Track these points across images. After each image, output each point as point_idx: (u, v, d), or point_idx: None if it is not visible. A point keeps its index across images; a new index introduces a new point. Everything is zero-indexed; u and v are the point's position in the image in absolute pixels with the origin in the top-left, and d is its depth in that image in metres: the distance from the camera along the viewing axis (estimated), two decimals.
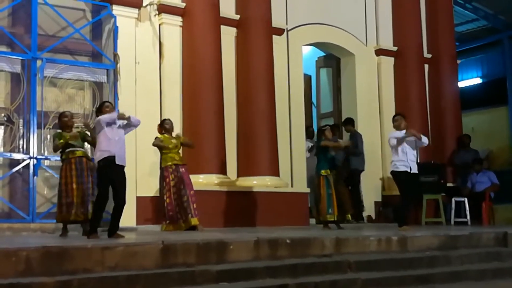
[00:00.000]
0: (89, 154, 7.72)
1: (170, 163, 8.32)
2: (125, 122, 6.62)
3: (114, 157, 6.39)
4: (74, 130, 7.55)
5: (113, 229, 6.38)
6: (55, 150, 7.47)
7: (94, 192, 6.90)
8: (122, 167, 6.48)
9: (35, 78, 8.66)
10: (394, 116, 8.75)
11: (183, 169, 8.35)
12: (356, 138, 10.94)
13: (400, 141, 8.21)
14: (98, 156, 6.43)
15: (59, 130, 7.48)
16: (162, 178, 8.37)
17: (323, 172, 8.65)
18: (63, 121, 7.47)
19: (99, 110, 6.84)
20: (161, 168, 8.44)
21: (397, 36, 12.53)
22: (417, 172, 8.27)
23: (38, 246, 4.57)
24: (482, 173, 11.34)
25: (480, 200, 10.98)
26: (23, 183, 8.66)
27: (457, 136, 12.53)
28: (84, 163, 7.22)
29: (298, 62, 11.40)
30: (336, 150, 8.94)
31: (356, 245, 6.12)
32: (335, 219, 8.52)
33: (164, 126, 8.58)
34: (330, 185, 8.58)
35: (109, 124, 6.47)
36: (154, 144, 8.46)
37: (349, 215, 8.67)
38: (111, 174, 6.39)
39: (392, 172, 8.31)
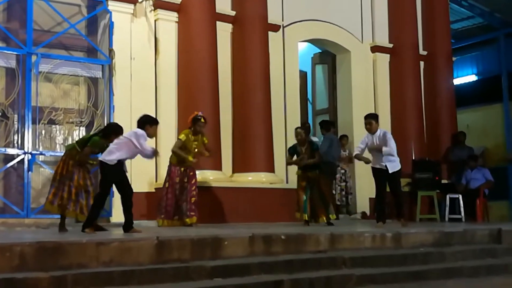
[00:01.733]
0: None
1: (175, 162, 8.23)
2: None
3: (123, 163, 6.55)
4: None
5: (130, 223, 6.42)
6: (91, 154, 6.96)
7: (89, 189, 6.84)
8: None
9: (30, 73, 8.64)
10: (365, 117, 8.44)
11: (192, 172, 8.27)
12: (326, 142, 10.64)
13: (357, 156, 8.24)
14: (111, 160, 6.38)
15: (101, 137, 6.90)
16: (168, 173, 8.26)
17: (297, 172, 8.68)
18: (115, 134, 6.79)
19: (150, 124, 6.62)
20: (170, 163, 8.29)
21: (393, 33, 12.54)
22: (395, 171, 8.18)
23: (32, 241, 4.56)
24: (477, 170, 11.37)
25: (475, 197, 11.01)
26: (18, 178, 8.66)
27: (452, 133, 12.56)
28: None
29: (294, 58, 11.40)
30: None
31: (351, 241, 6.13)
32: (305, 219, 8.48)
33: (195, 128, 8.24)
34: (300, 185, 8.56)
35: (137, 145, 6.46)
36: (173, 152, 8.19)
37: (323, 218, 8.55)
38: (121, 177, 6.47)
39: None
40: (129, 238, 5.24)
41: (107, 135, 6.74)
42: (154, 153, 6.70)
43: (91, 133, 7.79)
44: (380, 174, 8.23)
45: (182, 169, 8.21)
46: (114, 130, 6.74)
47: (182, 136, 8.25)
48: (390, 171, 8.14)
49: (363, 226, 8.38)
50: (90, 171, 7.02)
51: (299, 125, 11.41)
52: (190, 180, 8.22)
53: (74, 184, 6.75)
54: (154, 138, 9.14)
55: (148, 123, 6.65)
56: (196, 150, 8.26)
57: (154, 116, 8.89)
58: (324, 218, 8.40)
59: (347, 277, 5.30)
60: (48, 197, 6.84)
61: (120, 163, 6.47)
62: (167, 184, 8.23)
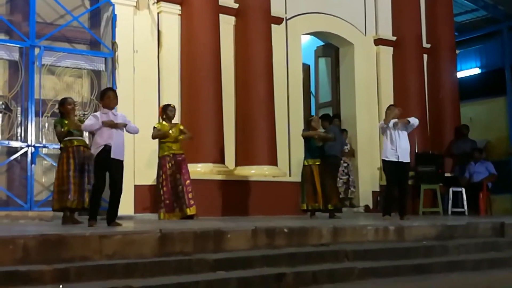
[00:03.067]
0: (87, 142, 7.66)
1: (167, 152, 8.29)
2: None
3: (110, 149, 6.35)
4: (75, 118, 7.41)
5: (111, 217, 6.38)
6: (59, 137, 7.23)
7: (91, 181, 6.87)
8: (119, 160, 6.43)
9: (33, 66, 8.64)
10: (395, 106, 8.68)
11: (180, 158, 8.31)
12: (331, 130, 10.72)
13: (384, 129, 8.22)
14: (95, 148, 6.40)
15: (59, 118, 7.33)
16: (160, 167, 8.34)
17: (304, 162, 8.91)
18: (67, 108, 7.26)
19: (101, 98, 6.67)
20: (159, 157, 8.40)
21: (396, 25, 12.51)
22: (407, 161, 8.17)
23: (36, 234, 4.56)
24: (480, 163, 11.35)
25: (478, 190, 11.00)
26: (21, 171, 8.67)
27: (455, 126, 12.53)
28: (82, 151, 7.14)
29: (297, 51, 11.37)
30: (318, 141, 8.95)
31: (353, 234, 6.13)
32: (308, 208, 8.75)
33: (167, 113, 8.44)
34: (306, 176, 8.85)
35: (105, 115, 6.43)
36: (153, 137, 8.35)
37: (332, 206, 8.69)
38: (107, 165, 6.37)
39: (382, 161, 8.33)
40: (132, 231, 5.24)
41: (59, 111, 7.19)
42: (105, 123, 6.41)
43: None
44: (394, 167, 8.15)
45: (171, 155, 8.25)
46: (61, 102, 7.25)
47: (157, 125, 8.40)
48: (400, 159, 8.08)
49: (365, 219, 8.37)
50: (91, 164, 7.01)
51: (307, 118, 11.55)
52: (181, 169, 8.23)
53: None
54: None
55: (100, 100, 6.71)
56: (175, 135, 8.31)
57: (157, 109, 8.99)
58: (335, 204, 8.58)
59: (350, 270, 5.30)
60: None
61: (107, 152, 6.33)
62: (161, 179, 8.26)
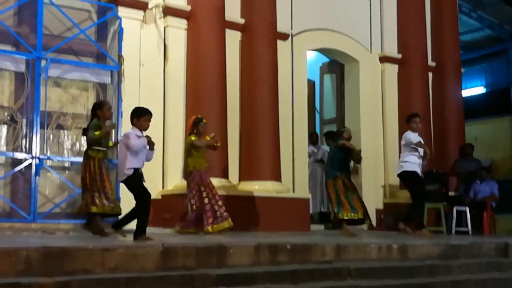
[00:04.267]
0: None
1: (204, 169, 8.09)
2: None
3: (141, 171, 6.52)
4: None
5: (121, 224, 6.54)
6: (89, 142, 6.94)
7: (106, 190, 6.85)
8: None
9: (39, 78, 8.66)
10: (413, 117, 8.69)
11: (206, 175, 8.19)
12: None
13: (418, 144, 8.30)
14: (126, 169, 6.40)
15: (96, 121, 6.98)
16: (196, 182, 8.04)
17: (337, 173, 8.65)
18: (105, 113, 6.97)
19: (136, 118, 6.54)
20: (195, 170, 8.07)
21: (402, 43, 12.54)
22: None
23: (38, 246, 4.56)
24: (486, 182, 11.31)
25: (482, 210, 10.95)
26: (25, 182, 8.66)
27: (459, 145, 12.50)
28: (104, 163, 7.01)
29: (302, 67, 11.40)
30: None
31: (357, 252, 6.11)
32: (351, 218, 8.45)
33: (199, 129, 8.16)
34: (340, 188, 8.55)
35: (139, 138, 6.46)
36: (201, 146, 8.02)
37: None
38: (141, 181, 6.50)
39: (407, 172, 8.35)
40: (135, 244, 5.23)
41: (92, 113, 6.95)
42: (150, 144, 6.53)
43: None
44: (420, 178, 8.36)
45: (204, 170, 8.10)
46: (94, 107, 6.98)
47: (194, 137, 8.14)
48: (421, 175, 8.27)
49: (369, 237, 8.33)
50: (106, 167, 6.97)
51: (310, 134, 11.57)
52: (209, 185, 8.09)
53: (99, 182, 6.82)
54: (162, 147, 9.15)
55: (134, 117, 6.57)
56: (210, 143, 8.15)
57: (162, 122, 8.98)
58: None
59: None
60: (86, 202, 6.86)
61: (137, 173, 6.42)
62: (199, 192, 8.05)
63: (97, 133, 6.83)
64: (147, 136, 6.56)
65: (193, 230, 7.98)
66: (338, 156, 8.81)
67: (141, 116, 6.56)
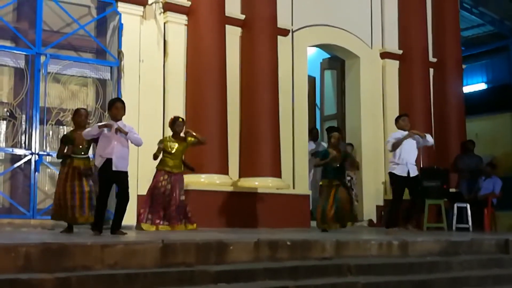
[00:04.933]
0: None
1: (161, 167, 8.03)
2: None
3: (111, 161, 6.34)
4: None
5: (116, 225, 6.38)
6: (57, 155, 7.13)
7: (92, 195, 6.84)
8: (122, 172, 6.42)
9: (38, 74, 8.65)
10: (400, 116, 8.76)
11: (176, 177, 8.05)
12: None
13: (397, 144, 8.28)
14: (97, 161, 6.41)
15: (69, 132, 7.12)
16: (153, 179, 8.08)
17: (321, 182, 8.57)
18: (76, 120, 7.10)
19: (109, 108, 6.63)
20: (158, 170, 8.10)
21: (403, 39, 12.51)
22: (416, 174, 8.34)
23: (37, 242, 4.55)
24: (490, 179, 11.30)
25: (482, 207, 10.93)
26: (25, 178, 8.66)
27: (460, 142, 12.48)
28: (81, 169, 6.96)
29: (302, 63, 11.38)
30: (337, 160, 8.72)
31: (357, 248, 6.09)
32: (326, 229, 8.32)
33: (174, 128, 8.18)
34: (327, 196, 8.37)
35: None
36: (154, 156, 8.04)
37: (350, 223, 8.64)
38: (111, 177, 6.38)
39: (390, 173, 8.38)
40: (134, 241, 5.22)
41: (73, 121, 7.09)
42: (101, 126, 6.45)
43: None
44: (404, 181, 8.34)
45: (166, 178, 8.00)
46: (74, 112, 7.07)
47: (164, 140, 8.19)
48: (411, 175, 8.28)
49: (369, 234, 8.32)
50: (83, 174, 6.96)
51: (310, 129, 11.53)
52: (175, 188, 7.99)
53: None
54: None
55: (108, 110, 6.69)
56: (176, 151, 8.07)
57: (162, 118, 8.96)
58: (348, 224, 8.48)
59: (353, 284, 5.25)
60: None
61: (108, 166, 6.34)
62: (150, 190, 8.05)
63: (67, 149, 6.95)
64: (105, 123, 6.50)
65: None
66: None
67: (111, 106, 6.59)
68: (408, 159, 8.32)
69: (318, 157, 8.78)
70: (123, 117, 6.63)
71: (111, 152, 6.35)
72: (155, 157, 8.04)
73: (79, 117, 7.11)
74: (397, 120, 8.97)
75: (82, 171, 6.90)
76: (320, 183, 8.61)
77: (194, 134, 8.18)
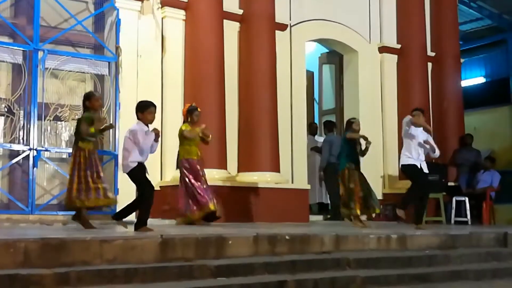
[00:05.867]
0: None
1: (195, 157, 8.07)
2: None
3: (144, 165, 6.53)
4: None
5: (123, 215, 6.54)
6: (82, 135, 6.68)
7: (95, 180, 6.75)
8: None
9: (36, 69, 8.63)
10: (419, 110, 8.47)
11: (201, 162, 8.19)
12: (326, 146, 10.78)
13: (413, 128, 8.10)
14: (130, 162, 6.41)
15: (88, 113, 6.77)
16: (189, 169, 8.03)
17: (347, 165, 8.42)
18: (94, 104, 6.76)
19: (141, 111, 6.53)
20: (185, 159, 8.06)
21: (401, 33, 12.50)
22: (427, 172, 8.24)
23: (36, 237, 4.56)
24: (488, 172, 11.32)
25: (481, 200, 10.95)
26: (23, 174, 8.66)
27: (459, 135, 12.50)
28: (93, 153, 6.77)
29: (301, 58, 11.37)
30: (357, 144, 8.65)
31: (356, 242, 6.10)
32: (359, 213, 8.33)
33: (193, 117, 8.10)
34: (353, 179, 8.35)
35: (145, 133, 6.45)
36: (187, 136, 7.99)
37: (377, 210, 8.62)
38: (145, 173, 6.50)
39: (404, 166, 8.22)
40: (133, 236, 5.23)
41: (83, 105, 6.79)
42: (156, 137, 6.52)
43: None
44: (422, 171, 8.14)
45: (198, 159, 8.08)
46: (84, 98, 6.79)
47: (185, 126, 8.10)
48: (424, 171, 8.12)
49: (368, 228, 8.32)
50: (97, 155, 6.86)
51: (308, 124, 11.57)
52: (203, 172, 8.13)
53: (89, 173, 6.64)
54: (160, 139, 9.11)
55: (138, 112, 6.57)
56: (199, 135, 8.09)
57: (161, 114, 8.94)
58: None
59: (352, 278, 5.26)
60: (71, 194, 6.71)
61: (141, 166, 6.42)
62: (190, 180, 8.02)
63: (92, 129, 6.67)
64: (154, 129, 6.54)
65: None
66: (345, 148, 8.61)
67: (145, 110, 6.55)
68: (420, 156, 8.24)
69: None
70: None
71: (145, 158, 6.49)
72: (190, 137, 8.01)
73: (97, 101, 6.83)
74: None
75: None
76: (346, 166, 8.39)
77: (209, 134, 8.21)
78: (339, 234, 6.04)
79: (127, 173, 6.51)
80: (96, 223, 6.91)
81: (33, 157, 8.50)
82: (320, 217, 11.09)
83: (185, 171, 8.07)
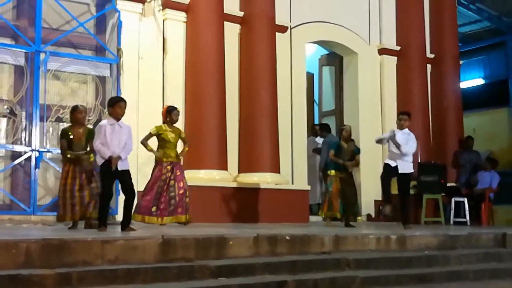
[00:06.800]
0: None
1: (164, 159, 7.84)
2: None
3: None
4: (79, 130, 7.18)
5: (126, 222, 6.45)
6: (61, 150, 7.16)
7: (93, 192, 6.93)
8: (125, 170, 6.47)
9: (38, 71, 8.67)
10: (402, 113, 8.61)
11: (177, 166, 7.92)
12: (324, 147, 10.84)
13: (379, 141, 8.39)
14: (99, 160, 6.44)
15: (68, 127, 7.17)
16: (152, 171, 7.90)
17: (330, 172, 8.91)
18: (76, 117, 7.12)
19: (111, 106, 6.52)
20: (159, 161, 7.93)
21: (400, 35, 12.53)
22: (405, 172, 8.19)
23: (38, 238, 4.56)
24: (488, 173, 11.36)
25: (480, 201, 10.98)
26: (25, 175, 8.69)
27: (458, 136, 12.53)
28: (83, 165, 7.02)
29: (301, 59, 11.40)
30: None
31: (355, 243, 6.12)
32: (336, 217, 8.73)
33: (171, 117, 7.96)
34: (332, 185, 8.82)
35: (111, 127, 6.45)
36: (142, 142, 7.88)
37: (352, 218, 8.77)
38: (114, 174, 6.44)
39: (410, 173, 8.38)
40: (134, 236, 5.24)
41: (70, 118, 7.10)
42: (113, 159, 6.38)
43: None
44: (390, 171, 8.26)
45: (169, 168, 7.84)
46: (70, 110, 7.12)
47: (153, 129, 7.92)
48: (399, 171, 8.15)
49: (367, 228, 8.37)
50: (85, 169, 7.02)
51: (311, 126, 11.62)
52: (176, 177, 7.85)
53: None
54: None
55: (108, 107, 6.61)
56: (174, 141, 7.91)
57: (161, 115, 8.97)
58: (350, 219, 8.64)
59: (351, 278, 5.28)
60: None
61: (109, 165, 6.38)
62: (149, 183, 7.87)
63: (67, 153, 7.01)
64: (112, 158, 6.39)
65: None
66: (335, 151, 8.91)
67: (114, 104, 6.52)
68: (397, 155, 8.29)
69: (331, 149, 9.01)
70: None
71: (113, 151, 6.37)
72: (146, 140, 7.89)
73: (79, 114, 7.16)
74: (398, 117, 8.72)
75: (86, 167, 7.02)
76: (329, 173, 8.91)
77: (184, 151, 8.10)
78: (339, 234, 6.06)
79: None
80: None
81: (35, 158, 8.54)
82: (320, 218, 11.11)
83: (156, 174, 7.89)
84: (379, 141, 8.62)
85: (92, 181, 7.02)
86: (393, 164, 8.21)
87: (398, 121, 8.43)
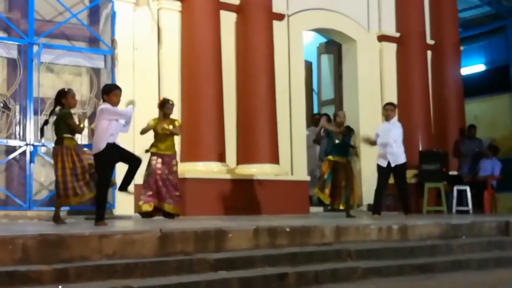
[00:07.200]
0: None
1: (154, 150, 7.96)
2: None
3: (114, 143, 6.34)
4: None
5: (126, 184, 6.49)
6: (74, 131, 6.67)
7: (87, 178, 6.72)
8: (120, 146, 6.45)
9: (31, 64, 8.58)
10: (386, 105, 8.77)
11: (168, 158, 8.00)
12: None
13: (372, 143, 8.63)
14: (102, 144, 6.21)
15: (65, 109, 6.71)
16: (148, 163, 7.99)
17: (329, 157, 8.65)
18: (71, 102, 6.70)
19: (107, 94, 6.35)
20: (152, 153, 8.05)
21: (400, 22, 12.41)
22: (398, 164, 8.31)
23: (35, 233, 4.53)
24: (489, 160, 11.29)
25: (482, 189, 10.92)
26: (20, 170, 8.62)
27: (459, 124, 12.46)
28: (78, 149, 6.73)
29: (298, 48, 11.28)
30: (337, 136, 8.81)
31: (357, 233, 6.08)
32: (327, 203, 8.69)
33: (164, 110, 8.10)
34: (329, 170, 8.57)
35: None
36: (140, 132, 8.08)
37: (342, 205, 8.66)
38: (116, 159, 6.38)
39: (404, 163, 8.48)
40: (132, 230, 5.21)
41: (56, 101, 6.67)
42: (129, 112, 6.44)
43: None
44: (384, 170, 8.35)
45: (160, 160, 7.94)
46: (58, 95, 6.67)
47: (151, 121, 8.08)
48: (392, 164, 8.18)
49: (368, 219, 8.30)
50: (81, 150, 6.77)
51: (311, 115, 11.53)
52: (169, 170, 7.97)
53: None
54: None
55: (103, 94, 6.45)
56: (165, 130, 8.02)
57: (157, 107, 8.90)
58: (342, 205, 8.52)
59: (353, 269, 5.24)
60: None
61: (112, 146, 6.27)
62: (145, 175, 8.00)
63: (82, 125, 6.70)
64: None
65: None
66: (331, 139, 8.76)
67: (110, 92, 6.39)
68: (387, 149, 8.37)
69: (330, 140, 8.86)
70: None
71: (115, 136, 6.32)
72: (143, 132, 8.08)
73: (73, 99, 6.74)
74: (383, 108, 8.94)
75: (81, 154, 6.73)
76: (325, 158, 8.78)
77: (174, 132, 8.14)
78: (340, 225, 6.01)
79: (95, 155, 6.33)
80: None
81: (30, 152, 8.46)
82: (320, 209, 11.05)
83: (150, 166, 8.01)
84: (373, 143, 8.68)
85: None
86: (384, 163, 8.28)
87: (385, 112, 8.55)
